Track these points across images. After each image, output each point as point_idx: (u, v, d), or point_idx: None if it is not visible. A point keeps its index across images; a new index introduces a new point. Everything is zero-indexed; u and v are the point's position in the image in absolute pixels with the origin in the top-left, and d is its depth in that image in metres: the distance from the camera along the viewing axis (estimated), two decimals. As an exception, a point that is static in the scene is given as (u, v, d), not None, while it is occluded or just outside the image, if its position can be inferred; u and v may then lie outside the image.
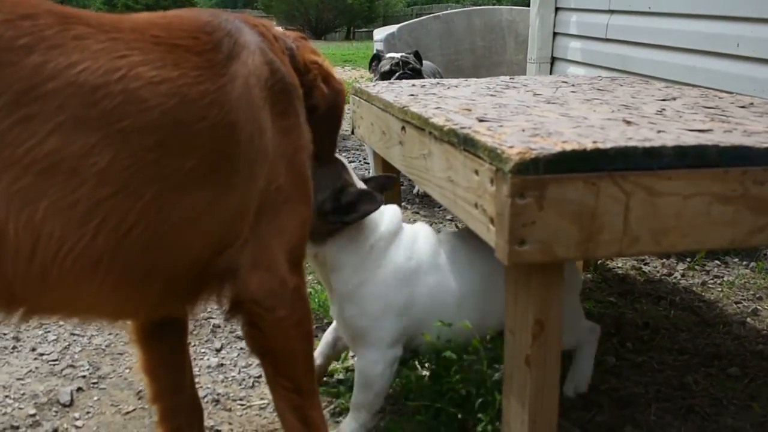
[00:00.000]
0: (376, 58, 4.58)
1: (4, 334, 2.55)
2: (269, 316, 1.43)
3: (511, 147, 1.34)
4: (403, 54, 4.44)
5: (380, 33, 6.88)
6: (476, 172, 1.45)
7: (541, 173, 1.30)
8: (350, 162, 5.38)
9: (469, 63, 5.95)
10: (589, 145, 1.35)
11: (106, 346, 2.47)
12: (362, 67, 16.52)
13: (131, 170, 1.20)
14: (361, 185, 1.93)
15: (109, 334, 2.55)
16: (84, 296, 1.28)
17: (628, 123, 1.69)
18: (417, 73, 4.28)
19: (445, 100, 2.18)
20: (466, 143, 1.52)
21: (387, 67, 4.30)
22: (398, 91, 2.45)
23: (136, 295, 1.33)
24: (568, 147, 1.34)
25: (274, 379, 1.52)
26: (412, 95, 2.31)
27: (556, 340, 1.44)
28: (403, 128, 2.04)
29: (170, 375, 1.70)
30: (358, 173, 2.09)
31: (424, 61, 5.02)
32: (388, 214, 1.95)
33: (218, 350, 2.42)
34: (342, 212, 1.83)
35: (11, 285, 1.16)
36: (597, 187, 1.33)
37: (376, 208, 1.83)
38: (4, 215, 1.11)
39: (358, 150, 5.60)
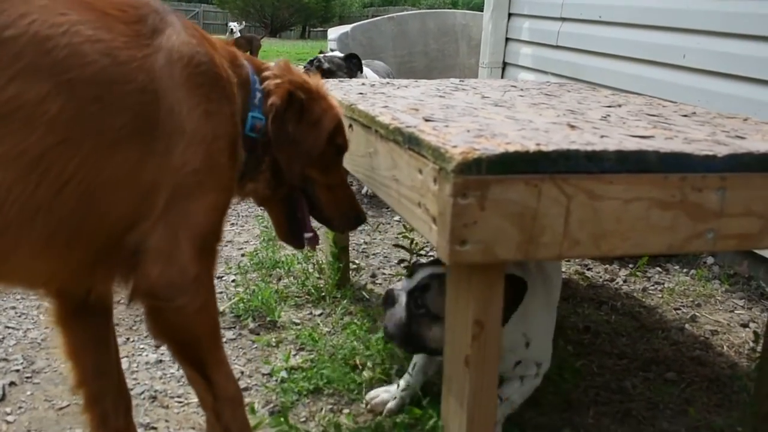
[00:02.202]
0: (311, 62, 4.35)
1: (-66, 327, 2.47)
2: (168, 305, 1.44)
3: (455, 147, 1.33)
4: (326, 55, 4.31)
5: (334, 32, 6.86)
6: (420, 171, 1.45)
7: (484, 174, 1.30)
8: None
9: (422, 65, 5.96)
10: (532, 147, 1.35)
11: (41, 340, 2.41)
12: (316, 66, 16.49)
13: (75, 121, 1.26)
14: None
15: (46, 327, 2.48)
16: (18, 252, 1.30)
17: (573, 127, 1.70)
18: (327, 73, 4.01)
19: (394, 99, 2.17)
20: (410, 142, 1.51)
21: (302, 68, 4.27)
22: (347, 89, 2.44)
23: (60, 257, 1.36)
24: (511, 148, 1.34)
25: (178, 357, 1.58)
26: (360, 93, 2.30)
27: (496, 341, 1.44)
28: (350, 126, 2.02)
29: (94, 359, 1.66)
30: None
31: (376, 61, 5.00)
32: None
33: (157, 347, 2.38)
34: None
35: None
36: (538, 189, 1.34)
37: None
38: None
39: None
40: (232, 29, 15.22)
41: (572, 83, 3.40)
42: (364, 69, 4.48)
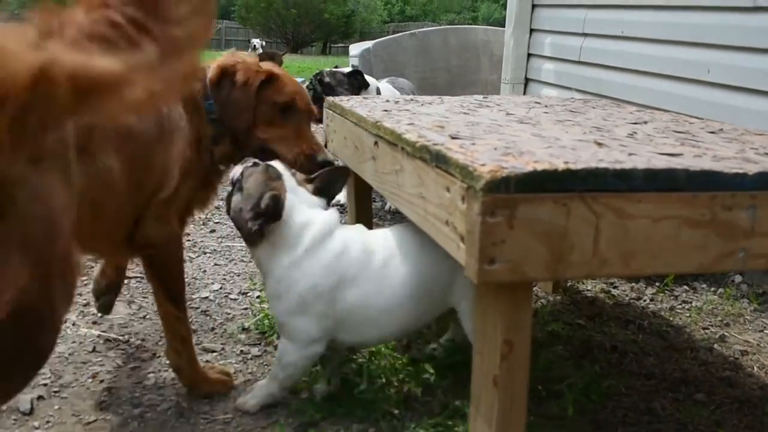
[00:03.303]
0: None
1: (-39, 342, 2.49)
2: (161, 253, 2.08)
3: (483, 165, 1.33)
4: (330, 70, 4.25)
5: (356, 48, 6.89)
6: (448, 189, 1.44)
7: (512, 192, 1.30)
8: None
9: (443, 81, 5.96)
10: (561, 166, 1.35)
11: (69, 354, 2.42)
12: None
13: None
14: (297, 187, 2.05)
15: (73, 342, 2.50)
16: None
17: (600, 145, 1.69)
18: (327, 89, 4.06)
19: (419, 116, 2.17)
20: (438, 160, 1.51)
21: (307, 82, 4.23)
22: (372, 106, 2.44)
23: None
24: (539, 167, 1.33)
25: (160, 292, 2.12)
26: (385, 110, 2.30)
27: (525, 361, 1.42)
28: (375, 143, 2.03)
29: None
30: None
31: (401, 79, 4.99)
32: (318, 221, 2.01)
33: (182, 364, 2.38)
34: (264, 218, 1.93)
35: None
36: (567, 208, 1.33)
37: (278, 215, 1.92)
38: None
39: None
40: (254, 45, 15.35)
41: (596, 99, 3.38)
42: (384, 85, 4.47)
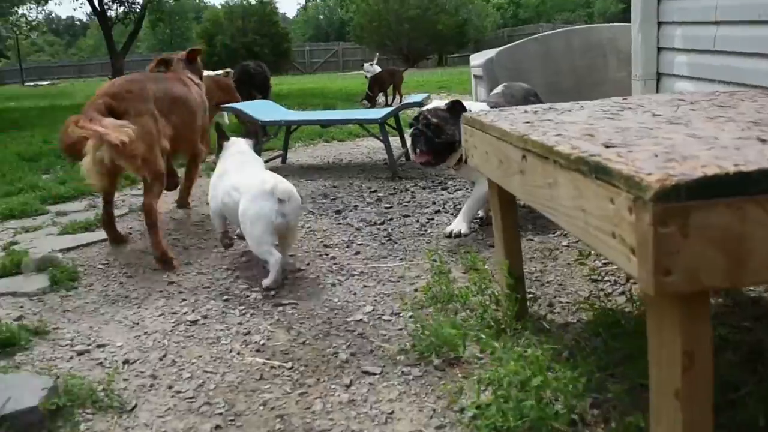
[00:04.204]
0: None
1: (142, 372, 2.65)
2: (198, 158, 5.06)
3: (650, 174, 1.30)
4: (430, 108, 4.12)
5: (478, 58, 6.88)
6: (612, 201, 1.42)
7: (684, 200, 1.27)
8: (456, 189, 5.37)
9: (569, 84, 5.87)
10: (731, 168, 1.31)
11: (238, 383, 2.53)
12: (457, 93, 16.56)
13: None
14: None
15: (240, 371, 2.61)
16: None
17: (764, 141, 1.62)
18: (435, 129, 4.01)
19: (563, 125, 2.15)
20: (597, 171, 1.49)
21: (410, 121, 4.26)
22: (512, 119, 2.44)
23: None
24: (709, 171, 1.30)
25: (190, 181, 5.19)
26: (527, 122, 2.30)
27: (708, 372, 1.38)
28: (523, 157, 2.02)
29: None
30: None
31: (516, 84, 4.92)
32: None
33: (347, 386, 2.45)
34: None
35: None
36: (743, 212, 1.29)
37: None
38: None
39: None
40: (365, 68, 15.53)
41: (743, 90, 3.24)
42: (476, 105, 4.29)
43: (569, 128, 2.07)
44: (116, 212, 5.10)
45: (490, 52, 6.73)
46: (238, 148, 4.08)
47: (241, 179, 3.69)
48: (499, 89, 4.71)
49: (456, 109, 3.98)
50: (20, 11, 23.47)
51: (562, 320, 2.90)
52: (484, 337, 2.65)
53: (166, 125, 4.21)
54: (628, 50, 5.45)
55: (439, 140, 4.02)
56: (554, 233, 4.09)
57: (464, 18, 40.18)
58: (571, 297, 3.16)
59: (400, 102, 14.31)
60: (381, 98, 14.82)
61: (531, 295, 3.10)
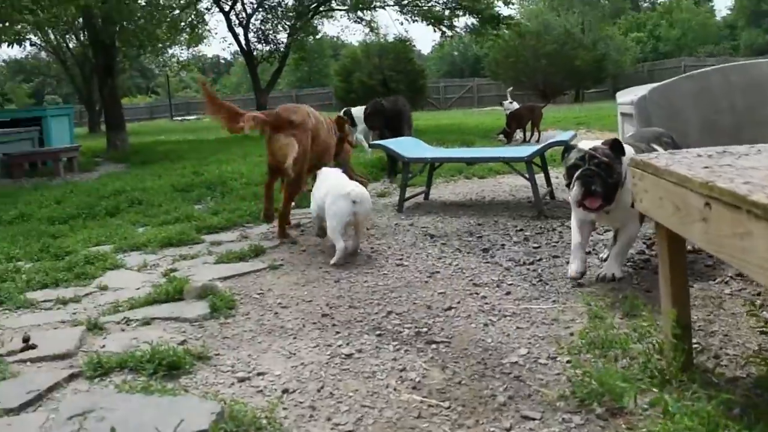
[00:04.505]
0: (567, 149, 4.03)
1: (300, 402, 2.71)
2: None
3: None
4: (593, 147, 3.86)
5: (626, 95, 6.71)
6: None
7: None
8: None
9: (728, 123, 5.61)
10: None
11: (397, 419, 2.54)
12: (596, 129, 16.22)
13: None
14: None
15: (398, 407, 2.62)
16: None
17: None
18: (606, 169, 3.76)
19: (747, 171, 2.06)
20: (805, 224, 1.41)
21: (572, 160, 3.86)
22: (688, 163, 2.36)
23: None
24: None
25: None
26: (706, 167, 2.21)
27: None
28: (707, 204, 1.95)
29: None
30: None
31: (651, 128, 4.71)
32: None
33: (507, 430, 2.41)
34: None
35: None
36: None
37: None
38: None
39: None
40: (504, 105, 15.50)
41: None
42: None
43: (754, 174, 1.98)
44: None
45: (641, 90, 6.55)
46: (329, 172, 5.37)
47: (329, 187, 5.01)
48: (631, 132, 4.50)
49: (617, 148, 3.83)
50: (171, 51, 24.85)
51: (731, 374, 2.75)
52: (649, 387, 2.55)
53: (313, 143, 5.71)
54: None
55: (611, 180, 3.82)
56: (715, 280, 3.91)
57: (602, 53, 39.47)
58: (739, 349, 3.00)
59: (539, 139, 14.19)
60: (518, 134, 14.72)
61: (696, 346, 2.96)
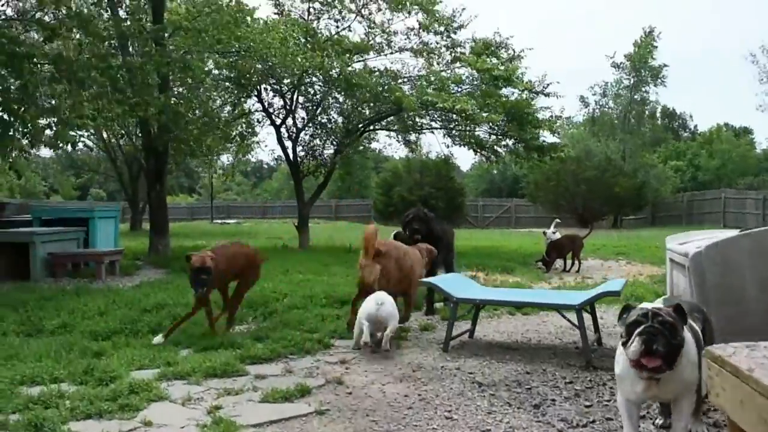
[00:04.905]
0: (626, 309, 3.84)
1: None
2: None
3: None
4: (656, 306, 3.72)
5: (678, 243, 6.66)
6: None
7: None
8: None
9: (787, 283, 5.52)
10: None
11: None
12: (637, 261, 16.10)
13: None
14: None
15: None
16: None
17: None
18: (671, 329, 3.60)
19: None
20: None
21: (633, 317, 3.69)
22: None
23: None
24: None
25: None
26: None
27: None
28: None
29: None
30: None
31: (685, 299, 4.52)
32: None
33: None
34: None
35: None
36: None
37: None
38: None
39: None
40: (546, 234, 15.45)
41: None
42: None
43: None
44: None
45: (695, 238, 6.53)
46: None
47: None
48: (660, 303, 4.27)
49: (681, 312, 3.71)
50: (222, 159, 25.46)
51: None
52: None
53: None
54: None
55: (675, 342, 3.60)
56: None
57: (642, 180, 39.63)
58: None
59: (578, 269, 14.09)
60: (558, 263, 14.64)
61: None
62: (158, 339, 6.79)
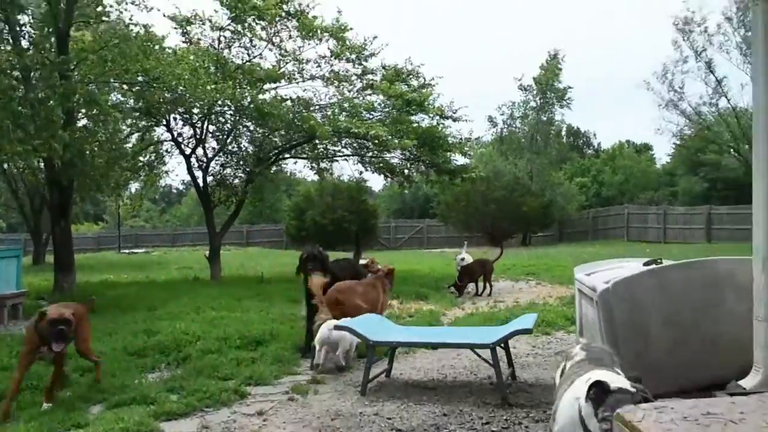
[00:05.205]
0: (601, 391, 3.39)
1: None
2: None
3: None
4: (634, 384, 3.44)
5: (586, 275, 6.90)
6: None
7: None
8: None
9: (688, 318, 5.77)
10: None
11: None
12: (546, 280, 16.51)
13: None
14: None
15: None
16: None
17: None
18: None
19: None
20: None
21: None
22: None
23: None
24: None
25: None
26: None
27: None
28: None
29: None
30: None
31: (598, 347, 4.39)
32: None
33: None
34: None
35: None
36: None
37: None
38: None
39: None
40: (458, 264, 15.50)
41: None
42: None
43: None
44: None
45: (602, 270, 6.78)
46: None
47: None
48: (579, 351, 4.27)
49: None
50: (129, 188, 24.84)
51: None
52: None
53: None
54: (748, 284, 5.36)
55: None
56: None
57: (549, 199, 40.73)
58: None
59: (490, 292, 14.35)
60: (470, 287, 14.87)
61: None
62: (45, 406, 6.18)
